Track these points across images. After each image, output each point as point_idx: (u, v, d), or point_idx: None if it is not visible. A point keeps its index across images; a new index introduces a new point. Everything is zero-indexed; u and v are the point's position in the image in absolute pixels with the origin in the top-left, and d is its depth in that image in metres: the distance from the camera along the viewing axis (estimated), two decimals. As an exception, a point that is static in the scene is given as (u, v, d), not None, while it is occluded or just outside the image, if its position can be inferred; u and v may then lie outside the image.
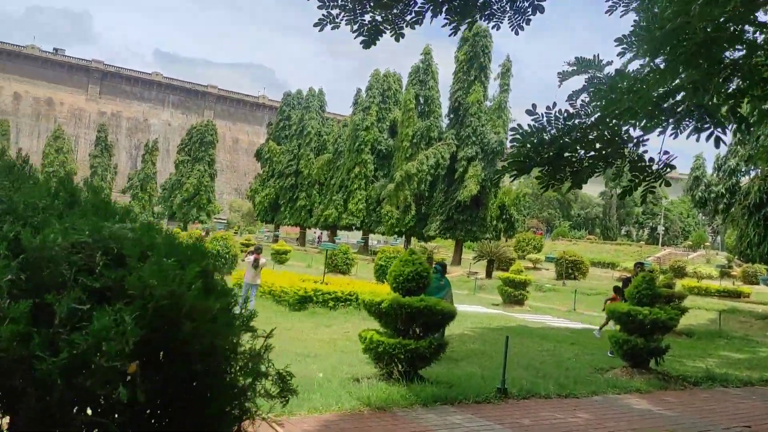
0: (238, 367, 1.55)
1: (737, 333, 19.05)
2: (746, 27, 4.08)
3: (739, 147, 26.31)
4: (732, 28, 3.87)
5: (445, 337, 10.61)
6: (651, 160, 4.47)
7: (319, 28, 4.83)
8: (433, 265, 10.88)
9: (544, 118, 4.25)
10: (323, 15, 4.85)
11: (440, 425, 6.14)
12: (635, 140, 4.47)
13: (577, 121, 4.26)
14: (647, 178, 4.53)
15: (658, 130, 4.40)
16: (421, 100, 52.74)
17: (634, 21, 4.31)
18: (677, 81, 4.20)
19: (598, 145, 4.45)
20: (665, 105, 4.26)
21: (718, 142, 4.31)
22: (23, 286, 1.38)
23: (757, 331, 20.25)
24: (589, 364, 10.75)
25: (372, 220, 55.71)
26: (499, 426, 6.35)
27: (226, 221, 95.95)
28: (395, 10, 4.85)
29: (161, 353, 1.43)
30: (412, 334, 7.77)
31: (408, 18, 5.00)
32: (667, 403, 8.23)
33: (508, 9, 5.09)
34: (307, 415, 6.12)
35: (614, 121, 4.22)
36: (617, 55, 4.27)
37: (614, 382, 9.03)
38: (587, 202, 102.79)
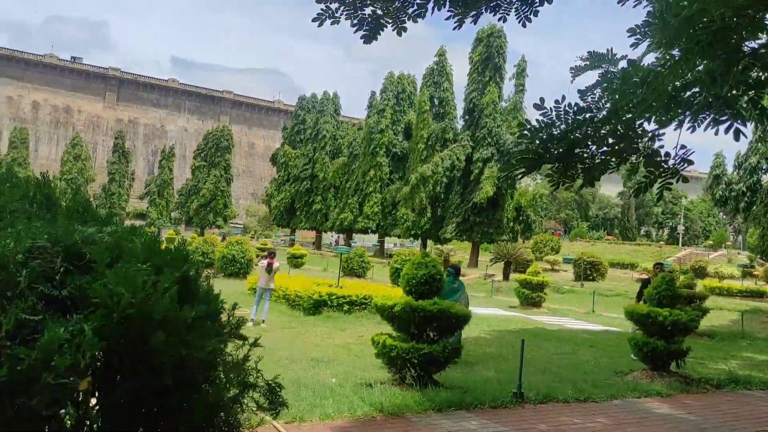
0: (220, 379, 1.43)
1: (760, 334, 18.66)
2: (767, 13, 3.89)
3: (759, 144, 25.85)
4: (751, 15, 3.69)
5: (461, 340, 10.49)
6: (667, 155, 4.28)
7: (318, 23, 4.70)
8: (447, 268, 10.73)
9: (553, 113, 4.08)
10: (322, 9, 4.70)
11: (454, 431, 6.01)
12: (650, 134, 4.28)
13: (588, 116, 4.08)
14: (663, 174, 4.33)
15: (674, 123, 4.23)
16: (436, 102, 52.57)
17: (648, 12, 4.13)
18: (693, 71, 4.02)
19: (610, 140, 4.26)
20: (681, 97, 4.07)
21: (737, 134, 4.12)
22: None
23: (781, 331, 19.82)
24: (608, 367, 10.54)
25: (388, 223, 55.59)
26: (515, 432, 6.20)
27: (242, 226, 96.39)
28: (397, 3, 4.69)
29: (127, 367, 1.32)
30: (425, 338, 7.65)
31: (410, 11, 4.82)
32: (688, 406, 8.02)
33: (514, 0, 4.93)
34: (318, 421, 6.02)
35: (628, 115, 4.04)
36: (630, 46, 4.09)
37: (634, 386, 8.82)
38: (605, 203, 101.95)
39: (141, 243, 1.45)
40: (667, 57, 4.10)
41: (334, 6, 4.67)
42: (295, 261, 38.19)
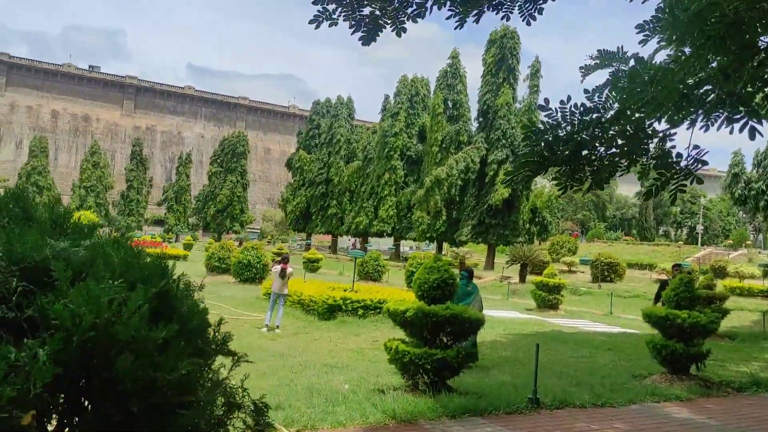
0: (199, 402, 1.34)
1: (783, 335, 18.27)
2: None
3: (779, 142, 25.42)
4: (766, 8, 3.54)
5: (476, 345, 10.37)
6: (679, 155, 4.13)
7: (314, 25, 4.61)
8: (460, 271, 10.63)
9: (559, 114, 3.95)
10: (318, 11, 4.60)
11: (468, 438, 5.91)
12: (661, 134, 4.14)
13: (595, 116, 3.93)
14: (675, 176, 4.18)
15: (686, 123, 4.07)
16: (450, 104, 52.42)
17: (657, 7, 4.00)
18: (705, 68, 3.87)
19: (619, 141, 4.12)
20: (693, 95, 3.92)
21: (753, 133, 3.96)
22: None
23: (804, 332, 19.40)
24: (626, 370, 10.36)
25: (403, 227, 55.51)
26: (530, 438, 6.09)
27: (259, 231, 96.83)
28: (395, 3, 4.58)
29: (90, 394, 1.24)
30: (439, 343, 7.55)
31: (409, 11, 4.68)
32: (708, 411, 7.84)
33: (517, -3, 4.80)
34: (330, 428, 5.96)
35: (637, 114, 3.91)
36: (639, 43, 3.97)
37: (653, 390, 8.65)
38: (623, 203, 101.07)
39: (118, 257, 1.39)
40: (679, 54, 3.97)
41: (331, 7, 4.56)
42: (311, 265, 38.26)
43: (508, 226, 45.61)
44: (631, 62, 4.06)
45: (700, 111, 3.95)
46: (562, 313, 22.91)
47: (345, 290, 16.59)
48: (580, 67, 4.34)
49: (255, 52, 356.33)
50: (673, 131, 4.11)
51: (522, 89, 48.77)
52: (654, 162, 4.14)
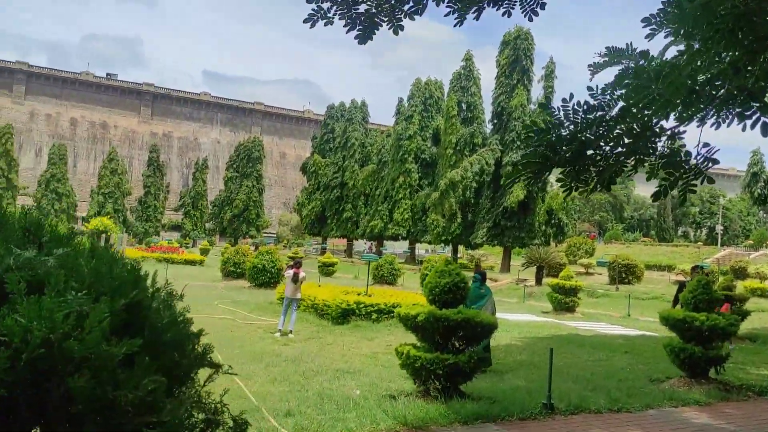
0: (162, 421, 1.26)
1: (806, 336, 17.88)
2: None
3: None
4: (778, -3, 3.41)
5: (490, 349, 10.24)
6: (688, 154, 3.98)
7: (309, 24, 4.52)
8: (473, 274, 10.51)
9: (561, 113, 3.82)
10: (313, 10, 4.51)
11: (480, 445, 5.81)
12: (669, 132, 3.99)
13: (599, 114, 3.81)
14: (684, 175, 4.03)
15: (696, 120, 3.93)
16: (464, 107, 52.22)
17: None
18: (714, 63, 3.72)
19: (625, 140, 3.98)
20: (703, 90, 3.77)
21: (765, 129, 3.79)
22: None
23: (828, 333, 18.99)
24: (643, 374, 10.17)
25: (418, 230, 55.39)
26: (544, 445, 5.97)
27: (275, 235, 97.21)
28: (392, 0, 4.48)
29: (40, 416, 1.16)
30: (450, 347, 7.45)
31: (406, 8, 4.58)
32: (728, 415, 7.65)
33: (518, -8, 4.67)
34: (340, 435, 5.89)
35: (644, 111, 3.77)
36: (645, 38, 3.83)
37: (671, 394, 8.47)
38: (640, 204, 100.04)
39: (89, 266, 1.32)
40: (690, 49, 3.82)
41: (326, 5, 4.47)
42: (326, 269, 38.29)
43: (523, 228, 45.29)
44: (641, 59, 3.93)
45: (710, 107, 3.81)
46: (578, 316, 22.66)
47: (359, 294, 16.53)
48: (589, 65, 4.22)
49: (270, 58, 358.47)
50: (682, 129, 3.97)
51: (536, 90, 48.44)
52: (662, 161, 4.00)
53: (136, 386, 1.17)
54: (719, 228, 72.70)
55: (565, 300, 23.14)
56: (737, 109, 3.74)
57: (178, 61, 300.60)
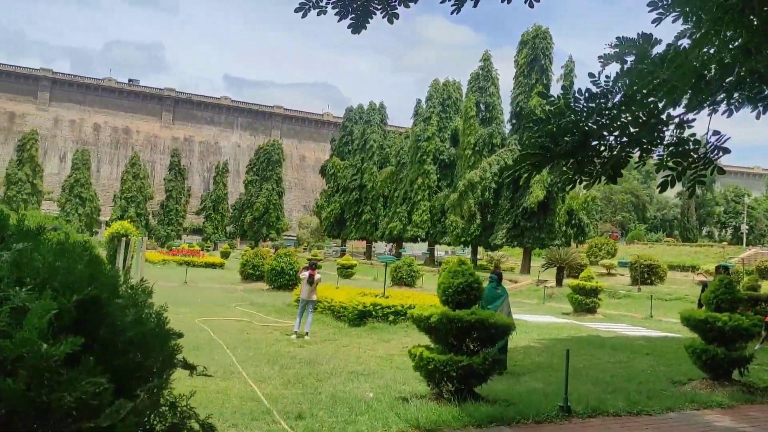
0: (100, 425, 1.17)
1: (835, 337, 17.41)
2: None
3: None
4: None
5: (506, 351, 10.09)
6: (696, 142, 3.81)
7: (301, 13, 4.42)
8: (489, 275, 10.38)
9: (562, 101, 3.68)
10: None
11: (493, 449, 5.70)
12: (677, 120, 3.83)
13: (602, 101, 3.65)
14: (693, 165, 3.86)
15: (707, 107, 3.76)
16: (482, 107, 51.92)
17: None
18: (724, 45, 3.55)
19: (631, 129, 3.81)
20: (713, 75, 3.60)
21: None
22: None
23: None
24: (665, 376, 9.95)
25: (437, 231, 55.16)
26: (559, 449, 5.84)
27: (295, 238, 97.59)
28: None
29: None
30: (465, 349, 7.33)
31: None
32: (752, 419, 7.43)
33: (518, -21, 4.54)
34: (351, 438, 5.82)
35: (649, 98, 3.62)
36: (652, 22, 3.68)
37: (692, 396, 8.27)
38: (663, 204, 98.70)
39: (44, 262, 1.26)
40: (697, 31, 3.67)
41: None
42: (345, 271, 38.28)
43: (543, 229, 44.85)
44: (655, 49, 3.78)
45: (720, 94, 3.64)
46: (599, 317, 22.34)
47: (376, 296, 16.45)
48: (599, 57, 4.08)
49: (289, 61, 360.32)
50: (691, 117, 3.81)
51: (555, 90, 48.03)
52: (669, 150, 3.83)
53: (74, 389, 1.10)
54: (744, 227, 71.45)
55: (585, 301, 22.84)
56: (747, 94, 3.58)
57: (198, 66, 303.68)
